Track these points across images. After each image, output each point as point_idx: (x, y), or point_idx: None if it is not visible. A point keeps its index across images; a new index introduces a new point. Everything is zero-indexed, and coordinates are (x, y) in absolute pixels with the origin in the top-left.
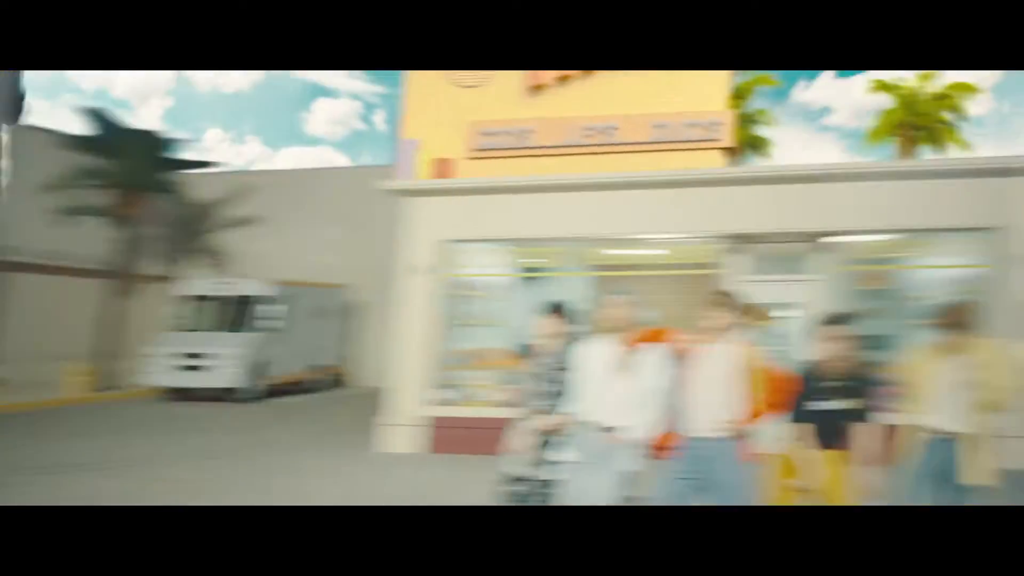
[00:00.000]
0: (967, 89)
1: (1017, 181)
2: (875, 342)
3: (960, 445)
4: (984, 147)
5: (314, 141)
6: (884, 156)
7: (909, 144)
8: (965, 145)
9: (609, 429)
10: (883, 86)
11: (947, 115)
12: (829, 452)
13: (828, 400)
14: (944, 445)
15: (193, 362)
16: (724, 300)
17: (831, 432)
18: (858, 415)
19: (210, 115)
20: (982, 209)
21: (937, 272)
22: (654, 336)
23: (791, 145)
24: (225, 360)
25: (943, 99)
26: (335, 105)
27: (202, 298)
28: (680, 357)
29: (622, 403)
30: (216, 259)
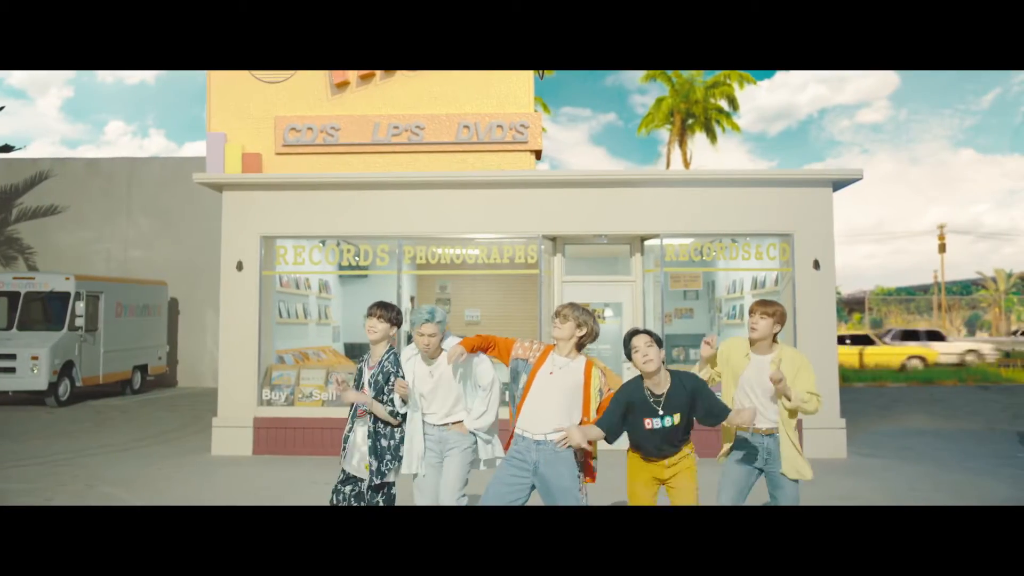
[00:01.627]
0: (741, 77)
1: (806, 191)
2: (689, 341)
3: (773, 441)
4: (881, 153)
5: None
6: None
7: (682, 132)
8: (738, 131)
9: (452, 424)
10: (657, 74)
11: (720, 103)
12: (671, 457)
13: (659, 417)
14: (758, 440)
15: None
16: (569, 312)
17: (667, 444)
18: (686, 423)
19: (112, 106)
20: (781, 216)
21: (745, 274)
22: (479, 344)
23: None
24: (30, 360)
25: (716, 87)
26: None
27: (1, 294)
28: (527, 364)
29: (458, 402)
30: (16, 252)
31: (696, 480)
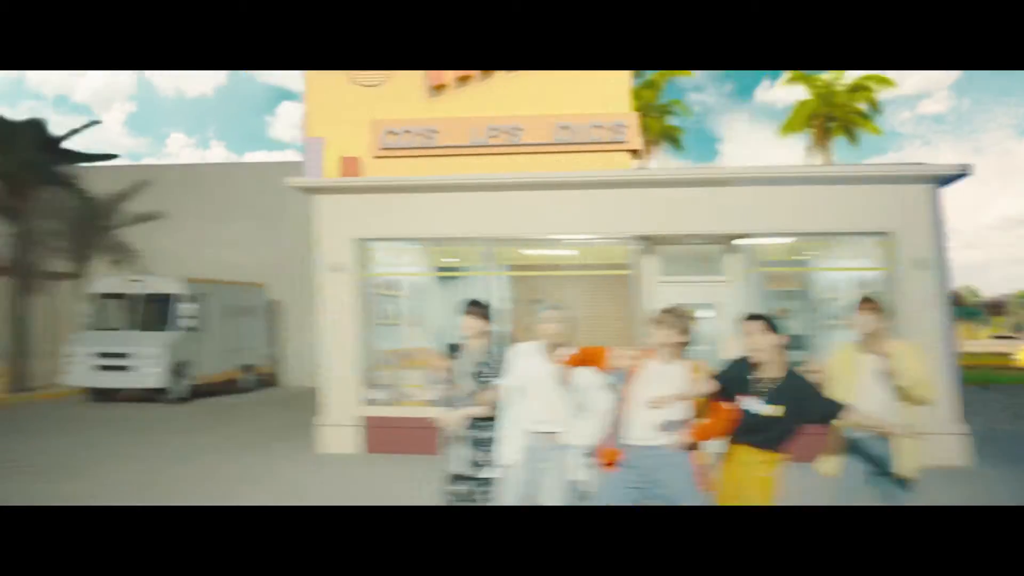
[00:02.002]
0: (882, 81)
1: (908, 188)
2: (790, 343)
3: (887, 441)
4: (943, 144)
5: (279, 145)
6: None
7: (823, 135)
8: (879, 133)
9: (546, 434)
10: (799, 78)
11: (861, 106)
12: (751, 450)
13: (756, 400)
14: (871, 442)
15: (113, 362)
16: (669, 318)
17: (755, 431)
18: (788, 421)
19: (173, 119)
20: (881, 214)
21: (843, 274)
22: (592, 356)
23: (751, 143)
24: (146, 360)
25: (858, 91)
26: (300, 109)
27: (117, 296)
28: (625, 374)
29: (559, 411)
30: (122, 255)
31: (767, 498)
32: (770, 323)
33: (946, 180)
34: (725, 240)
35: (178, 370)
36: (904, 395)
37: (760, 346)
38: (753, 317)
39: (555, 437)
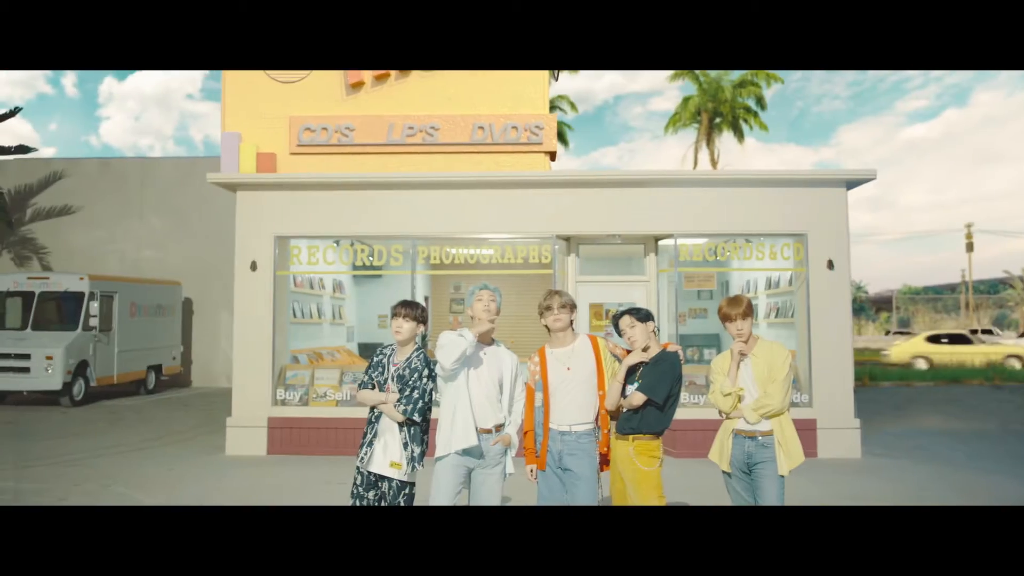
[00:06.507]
0: (768, 76)
1: (821, 191)
2: (702, 341)
3: (763, 440)
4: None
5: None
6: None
7: (708, 130)
8: (765, 129)
9: (479, 428)
10: (684, 73)
11: (748, 101)
12: (624, 440)
13: (630, 387)
14: (747, 441)
15: (9, 363)
16: (565, 300)
17: (628, 419)
18: (650, 404)
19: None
20: (794, 216)
21: (760, 274)
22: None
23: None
24: (45, 360)
25: (744, 86)
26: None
27: (16, 294)
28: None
29: (484, 402)
30: (30, 252)
31: (653, 489)
32: (638, 315)
33: (853, 184)
34: (645, 240)
35: (79, 371)
36: (765, 399)
37: (635, 338)
38: (623, 313)
39: (505, 437)
